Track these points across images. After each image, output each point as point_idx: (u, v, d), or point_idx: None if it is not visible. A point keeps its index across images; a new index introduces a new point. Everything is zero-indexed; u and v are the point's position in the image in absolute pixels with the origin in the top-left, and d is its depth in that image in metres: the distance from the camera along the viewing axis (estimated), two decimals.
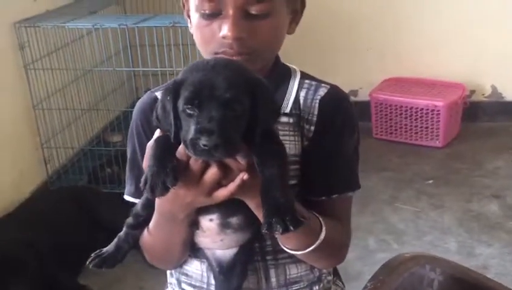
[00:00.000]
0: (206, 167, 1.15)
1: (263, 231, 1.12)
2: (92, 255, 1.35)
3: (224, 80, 1.08)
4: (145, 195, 1.23)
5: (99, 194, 3.36)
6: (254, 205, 1.20)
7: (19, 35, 3.40)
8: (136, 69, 4.07)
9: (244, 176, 1.13)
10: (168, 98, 1.12)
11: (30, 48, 3.47)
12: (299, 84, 1.41)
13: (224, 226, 1.29)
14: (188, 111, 1.09)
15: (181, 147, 1.13)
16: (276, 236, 1.30)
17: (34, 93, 3.52)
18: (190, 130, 1.08)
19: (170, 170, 1.11)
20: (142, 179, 1.13)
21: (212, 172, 1.14)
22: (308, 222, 1.25)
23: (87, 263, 1.34)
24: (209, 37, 1.30)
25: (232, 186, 1.15)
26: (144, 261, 1.51)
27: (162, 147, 1.15)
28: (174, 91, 1.11)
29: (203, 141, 1.05)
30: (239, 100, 1.09)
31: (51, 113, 3.67)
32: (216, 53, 1.29)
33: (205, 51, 1.33)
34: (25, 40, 3.43)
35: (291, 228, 1.11)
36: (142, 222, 1.36)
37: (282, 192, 1.13)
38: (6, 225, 2.95)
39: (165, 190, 1.11)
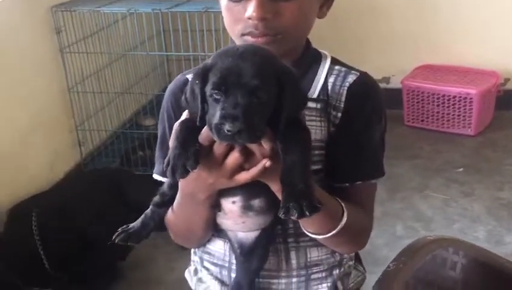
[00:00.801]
0: (229, 150, 1.17)
1: (280, 215, 1.14)
2: (119, 230, 1.39)
3: (252, 67, 1.10)
4: None
5: (131, 176, 3.42)
6: (276, 188, 1.22)
7: (56, 19, 3.46)
8: (169, 53, 4.11)
9: (266, 162, 1.15)
10: (197, 82, 1.14)
11: (66, 31, 3.53)
12: (328, 70, 1.41)
13: (246, 208, 1.31)
14: (215, 96, 1.10)
15: (204, 130, 1.15)
16: (295, 220, 1.31)
17: (69, 77, 3.59)
18: (216, 114, 1.09)
19: (191, 153, 1.13)
20: (165, 160, 1.15)
21: (235, 156, 1.16)
22: (325, 209, 1.25)
23: (114, 237, 1.38)
24: (236, 18, 1.32)
25: (253, 171, 1.17)
26: (173, 241, 1.54)
27: (186, 129, 1.17)
28: (202, 76, 1.13)
29: (227, 127, 1.07)
30: (265, 88, 1.10)
31: (86, 96, 3.74)
32: (242, 34, 1.31)
33: (233, 33, 1.35)
34: (61, 24, 3.49)
35: (307, 213, 1.12)
36: (168, 200, 1.38)
37: (302, 178, 1.14)
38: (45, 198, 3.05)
39: (185, 172, 1.13)
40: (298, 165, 1.15)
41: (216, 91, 1.10)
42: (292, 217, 1.13)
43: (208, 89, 1.11)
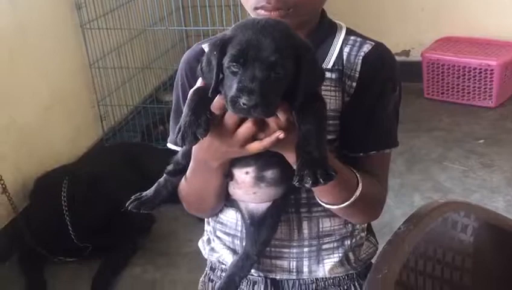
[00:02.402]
0: (242, 120, 1.16)
1: (294, 182, 1.14)
2: (132, 197, 1.40)
3: (271, 42, 1.09)
4: None
5: (151, 150, 3.48)
6: (292, 160, 1.21)
7: None
8: (188, 28, 4.13)
9: (280, 134, 1.15)
10: (214, 53, 1.13)
11: (87, 7, 3.58)
12: (343, 40, 1.41)
13: (258, 179, 1.31)
14: (233, 68, 1.10)
15: (217, 99, 1.16)
16: (309, 188, 1.30)
17: (90, 52, 3.64)
18: (232, 87, 1.09)
19: (202, 121, 1.13)
20: (177, 127, 1.15)
21: (247, 126, 1.16)
22: (339, 177, 1.25)
23: (127, 204, 1.39)
24: None
25: (266, 141, 1.17)
26: (192, 214, 1.56)
27: (198, 98, 1.17)
28: (221, 47, 1.12)
29: (243, 100, 1.06)
30: (283, 63, 1.09)
31: (107, 71, 3.79)
32: (256, 8, 1.31)
33: (247, 6, 1.35)
34: (82, 0, 3.53)
35: (321, 181, 1.12)
36: (181, 169, 1.38)
37: (317, 147, 1.14)
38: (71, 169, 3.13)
39: (195, 139, 1.13)
40: (313, 134, 1.15)
41: (234, 64, 1.09)
42: (306, 185, 1.13)
43: (226, 60, 1.11)
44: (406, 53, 4.63)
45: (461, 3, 4.53)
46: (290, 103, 1.14)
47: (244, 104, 1.07)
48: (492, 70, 4.13)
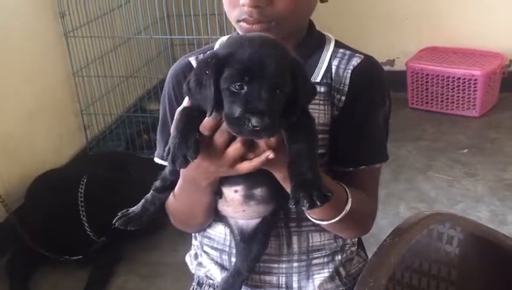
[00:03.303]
0: (230, 140, 1.15)
1: (290, 206, 1.12)
2: (119, 214, 1.38)
3: (273, 59, 1.07)
4: None
5: (135, 159, 3.45)
6: (281, 177, 1.21)
7: (60, 3, 3.48)
8: (173, 37, 4.12)
9: (270, 154, 1.13)
10: (208, 73, 1.09)
11: (70, 15, 3.55)
12: (332, 53, 1.39)
13: (248, 197, 1.30)
14: (234, 89, 1.07)
15: (206, 120, 1.13)
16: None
17: (73, 61, 3.61)
18: (236, 108, 1.06)
19: (192, 143, 1.11)
20: (166, 149, 1.13)
21: (236, 146, 1.15)
22: (334, 196, 1.25)
23: (114, 221, 1.37)
24: (232, 3, 1.30)
25: (256, 162, 1.15)
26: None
27: (186, 118, 1.15)
28: (216, 68, 1.08)
29: (253, 122, 1.04)
30: (286, 82, 1.08)
31: (90, 80, 3.77)
32: (238, 20, 1.29)
33: (230, 18, 1.34)
34: (65, 8, 3.51)
35: (318, 203, 1.10)
36: (169, 185, 1.37)
37: (310, 167, 1.12)
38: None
39: (185, 162, 1.11)
40: (305, 153, 1.13)
41: (238, 84, 1.06)
42: (303, 208, 1.11)
43: (225, 81, 1.07)
44: (391, 62, 4.64)
45: (446, 13, 4.56)
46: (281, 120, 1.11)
47: (254, 126, 1.04)
48: (476, 80, 4.16)
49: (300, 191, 1.11)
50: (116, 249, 2.99)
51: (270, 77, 1.06)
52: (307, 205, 1.10)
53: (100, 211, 2.79)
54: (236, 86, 1.06)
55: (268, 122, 1.04)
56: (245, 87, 1.06)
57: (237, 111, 1.06)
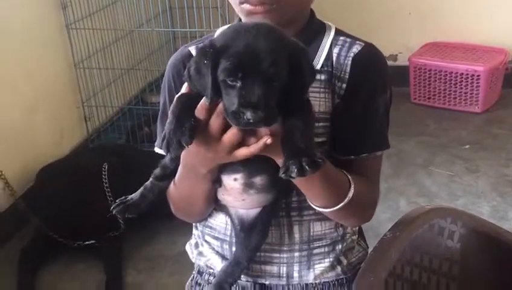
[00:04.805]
0: (227, 125, 1.13)
1: (280, 174, 1.10)
2: (117, 201, 1.37)
3: (267, 52, 1.06)
4: None
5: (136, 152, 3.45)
6: (281, 161, 1.18)
7: None
8: (175, 29, 4.11)
9: (268, 139, 1.12)
10: (205, 62, 1.09)
11: (72, 7, 3.54)
12: (332, 41, 1.39)
13: (247, 186, 1.29)
14: (230, 82, 1.07)
15: (200, 104, 1.13)
16: (302, 190, 1.30)
17: (75, 53, 3.60)
18: (232, 101, 1.07)
19: (187, 129, 1.10)
20: (161, 135, 1.13)
21: (233, 132, 1.14)
22: (331, 179, 1.25)
23: (111, 208, 1.36)
24: None
25: (254, 147, 1.15)
26: (175, 216, 1.52)
27: (182, 104, 1.15)
28: (213, 58, 1.08)
29: (248, 116, 1.04)
30: (281, 73, 1.07)
31: (92, 72, 3.76)
32: (241, 2, 1.29)
33: (232, 1, 1.33)
34: (67, 0, 3.49)
35: (308, 169, 1.08)
36: (169, 174, 1.36)
37: (302, 139, 1.11)
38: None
39: (180, 148, 1.10)
40: (299, 128, 1.12)
41: (231, 78, 1.06)
42: (292, 175, 1.08)
43: (222, 74, 1.07)
44: (393, 57, 4.63)
45: (449, 9, 4.54)
46: (279, 105, 1.11)
47: (249, 119, 1.04)
48: (479, 75, 4.14)
49: (290, 159, 1.09)
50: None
51: (263, 71, 1.06)
52: (295, 170, 1.08)
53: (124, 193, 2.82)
54: (232, 80, 1.07)
55: (263, 115, 1.05)
56: (239, 82, 1.06)
57: (233, 104, 1.06)
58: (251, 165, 1.25)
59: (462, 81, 4.23)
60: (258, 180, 1.28)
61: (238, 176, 1.28)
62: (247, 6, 1.29)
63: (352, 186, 1.31)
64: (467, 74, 4.19)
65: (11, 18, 3.11)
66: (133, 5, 3.75)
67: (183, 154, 1.25)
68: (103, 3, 3.74)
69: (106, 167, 2.96)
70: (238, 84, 1.06)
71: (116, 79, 3.97)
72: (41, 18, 3.40)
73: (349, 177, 1.32)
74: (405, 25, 4.66)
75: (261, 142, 1.13)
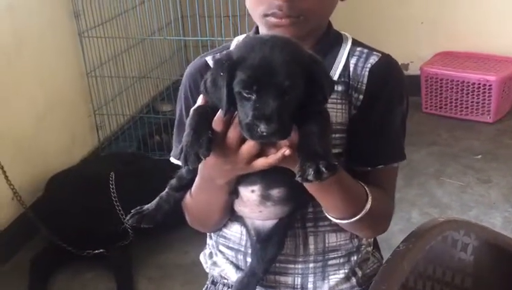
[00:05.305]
0: (245, 136, 1.14)
1: (296, 178, 1.10)
2: (132, 211, 1.38)
3: (283, 65, 1.07)
4: None
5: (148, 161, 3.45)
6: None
7: (74, 3, 3.49)
8: (186, 38, 4.12)
9: (286, 151, 1.12)
10: (222, 74, 1.10)
11: (85, 16, 3.55)
12: (349, 52, 1.39)
13: (264, 198, 1.29)
14: (245, 95, 1.08)
15: (217, 116, 1.14)
16: (319, 200, 1.29)
17: (87, 61, 3.62)
18: (247, 113, 1.07)
19: (204, 141, 1.11)
20: (179, 148, 1.14)
21: (250, 143, 1.14)
22: (349, 191, 1.25)
23: (127, 219, 1.37)
24: None
25: (272, 159, 1.14)
26: (188, 225, 1.53)
27: (199, 116, 1.15)
28: (229, 70, 1.09)
29: (262, 128, 1.05)
30: (296, 86, 1.08)
31: (104, 80, 3.77)
32: (265, 15, 1.29)
33: (255, 13, 1.33)
34: (80, 9, 3.52)
35: (325, 172, 1.07)
36: (185, 184, 1.37)
37: (320, 143, 1.11)
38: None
39: (198, 160, 1.11)
40: (315, 133, 1.12)
41: (246, 90, 1.07)
42: (309, 178, 1.08)
43: (237, 86, 1.08)
44: (405, 67, 4.62)
45: (461, 18, 4.53)
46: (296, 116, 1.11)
47: (263, 132, 1.05)
48: (490, 85, 4.13)
49: (307, 162, 1.09)
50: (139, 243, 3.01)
51: (278, 84, 1.06)
52: (312, 173, 1.07)
53: (134, 205, 2.82)
54: (247, 93, 1.07)
55: (277, 128, 1.05)
56: (254, 95, 1.07)
57: (247, 117, 1.07)
58: (268, 177, 1.25)
59: (474, 90, 4.21)
60: (275, 192, 1.29)
61: (256, 187, 1.29)
62: (272, 19, 1.29)
63: (370, 198, 1.31)
64: (479, 84, 4.18)
65: (25, 26, 3.13)
66: (144, 14, 3.77)
67: (200, 166, 1.26)
68: (115, 11, 3.76)
69: (113, 176, 2.96)
70: (253, 96, 1.07)
71: (127, 87, 3.98)
72: (54, 26, 3.42)
73: (366, 189, 1.32)
74: (417, 34, 4.65)
75: (279, 153, 1.13)
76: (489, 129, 4.17)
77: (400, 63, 1.44)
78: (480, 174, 3.56)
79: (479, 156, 3.77)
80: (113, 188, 2.91)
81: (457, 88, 4.27)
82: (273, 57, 1.08)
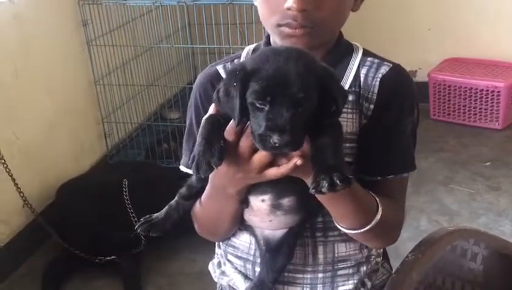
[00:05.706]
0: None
1: (310, 190, 1.10)
2: (141, 219, 1.38)
3: (297, 76, 1.07)
4: None
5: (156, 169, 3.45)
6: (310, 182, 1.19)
7: (82, 12, 3.49)
8: (194, 46, 4.13)
9: (298, 161, 1.13)
10: (235, 85, 1.11)
11: (93, 24, 3.56)
12: (360, 62, 1.40)
13: (275, 207, 1.29)
14: (258, 106, 1.08)
15: (230, 126, 1.14)
16: (330, 210, 1.29)
17: (95, 69, 3.62)
18: (259, 124, 1.08)
19: (216, 150, 1.11)
20: (191, 156, 1.16)
21: (262, 154, 1.15)
22: (359, 201, 1.25)
23: (136, 227, 1.37)
24: (273, 8, 1.30)
25: (284, 169, 1.15)
26: (196, 233, 1.53)
27: (211, 126, 1.16)
28: (242, 80, 1.10)
29: (274, 139, 1.05)
30: (310, 98, 1.08)
31: (112, 88, 3.78)
32: (279, 25, 1.29)
33: (268, 23, 1.33)
34: (87, 17, 3.52)
35: (339, 184, 1.08)
36: (195, 193, 1.38)
37: (333, 156, 1.11)
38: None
39: (210, 169, 1.12)
40: (329, 145, 1.12)
41: (260, 101, 1.08)
42: (323, 190, 1.08)
43: (250, 96, 1.09)
44: (413, 73, 4.61)
45: (468, 24, 4.53)
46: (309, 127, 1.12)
47: (275, 143, 1.05)
48: (499, 92, 4.11)
49: (321, 174, 1.09)
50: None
51: (292, 95, 1.06)
52: (326, 185, 1.08)
53: (147, 212, 2.83)
54: (260, 103, 1.08)
55: (290, 140, 1.06)
56: (267, 106, 1.07)
57: (260, 127, 1.07)
58: (279, 187, 1.26)
59: (482, 97, 4.20)
60: (286, 201, 1.29)
61: (266, 197, 1.29)
62: (286, 29, 1.30)
63: (380, 208, 1.31)
64: (487, 90, 4.16)
65: (33, 35, 3.14)
66: (152, 22, 3.78)
67: (211, 175, 1.26)
68: (123, 20, 3.77)
69: (127, 183, 2.97)
70: (267, 107, 1.07)
71: (135, 95, 3.99)
72: (62, 35, 3.43)
73: (377, 199, 1.32)
74: (424, 41, 4.65)
75: (291, 163, 1.14)
76: (497, 136, 4.15)
77: (408, 70, 1.45)
78: (489, 182, 3.55)
79: (488, 163, 3.76)
80: (126, 195, 2.93)
81: (466, 94, 4.26)
82: (287, 69, 1.08)
